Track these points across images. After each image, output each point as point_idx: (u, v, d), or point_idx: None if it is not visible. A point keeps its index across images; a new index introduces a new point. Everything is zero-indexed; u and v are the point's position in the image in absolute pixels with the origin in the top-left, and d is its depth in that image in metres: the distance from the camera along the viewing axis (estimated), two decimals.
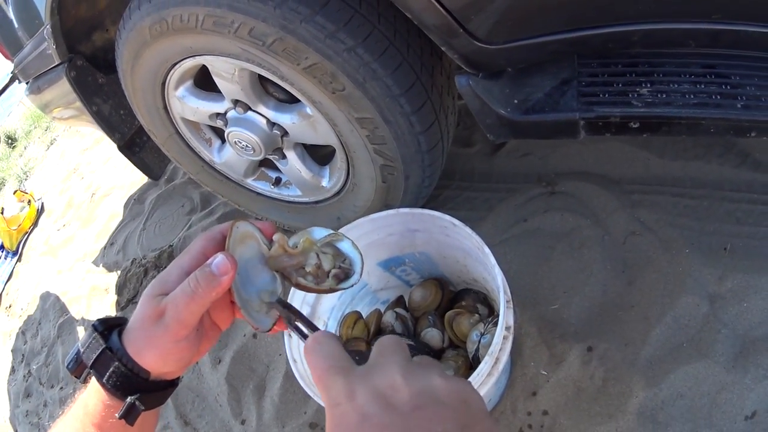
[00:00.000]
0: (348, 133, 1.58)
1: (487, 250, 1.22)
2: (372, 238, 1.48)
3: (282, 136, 1.75)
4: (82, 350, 0.70)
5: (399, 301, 1.71)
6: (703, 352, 1.44)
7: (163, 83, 1.79)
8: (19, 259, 4.32)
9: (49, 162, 5.44)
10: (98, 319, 0.72)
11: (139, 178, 3.47)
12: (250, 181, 2.13)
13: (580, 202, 1.84)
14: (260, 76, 1.64)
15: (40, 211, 4.65)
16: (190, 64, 1.67)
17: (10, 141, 7.52)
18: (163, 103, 1.89)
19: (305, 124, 1.66)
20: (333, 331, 1.63)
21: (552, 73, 1.32)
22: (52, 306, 3.35)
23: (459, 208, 2.04)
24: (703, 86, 1.20)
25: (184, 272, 0.69)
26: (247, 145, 1.78)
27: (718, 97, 1.19)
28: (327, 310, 1.53)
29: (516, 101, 1.31)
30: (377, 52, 1.38)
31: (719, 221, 1.63)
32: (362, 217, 1.43)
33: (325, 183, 1.89)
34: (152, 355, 0.68)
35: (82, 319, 2.99)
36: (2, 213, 4.54)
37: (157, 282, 0.70)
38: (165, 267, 2.61)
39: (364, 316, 1.68)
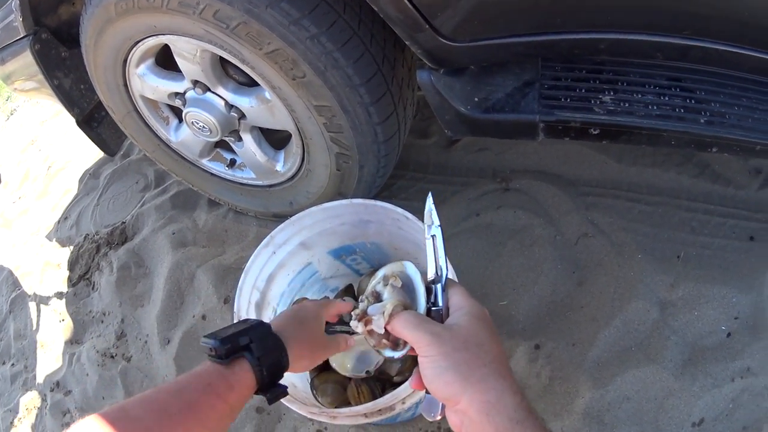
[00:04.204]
0: (305, 120, 1.58)
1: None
2: (324, 227, 1.49)
3: (239, 119, 1.75)
4: (253, 342, 0.85)
5: (348, 290, 1.71)
6: (651, 358, 1.47)
7: (125, 60, 1.77)
8: None
9: (7, 133, 5.28)
10: (258, 320, 0.93)
11: (96, 153, 3.39)
12: (205, 162, 2.12)
13: (533, 201, 1.86)
14: (221, 58, 1.62)
15: None
16: (152, 42, 1.65)
17: None
18: (123, 80, 1.86)
19: (263, 108, 1.65)
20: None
21: (515, 74, 1.34)
22: (4, 280, 3.28)
23: (412, 199, 2.05)
24: (667, 98, 1.23)
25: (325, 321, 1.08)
26: (204, 126, 1.76)
27: (682, 110, 1.21)
28: (276, 296, 1.53)
29: (476, 99, 1.32)
30: (340, 41, 1.38)
31: (674, 229, 1.65)
32: (315, 206, 1.43)
33: (279, 167, 1.89)
34: (309, 362, 1.00)
35: (35, 294, 2.94)
36: None
37: (319, 317, 1.06)
38: (117, 244, 2.60)
39: None
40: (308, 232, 1.49)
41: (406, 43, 1.28)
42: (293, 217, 1.45)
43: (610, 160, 1.84)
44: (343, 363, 1.41)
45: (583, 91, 1.27)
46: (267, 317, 1.47)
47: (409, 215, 1.29)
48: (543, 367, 1.55)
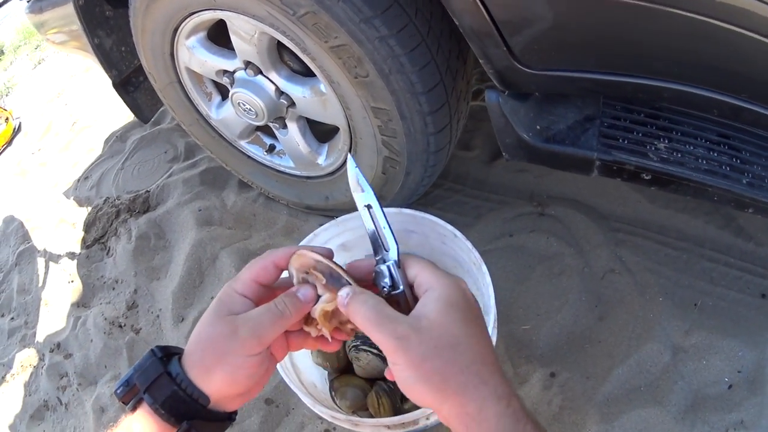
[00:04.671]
0: (359, 119, 1.56)
1: (484, 269, 1.22)
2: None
3: (288, 107, 1.73)
4: (136, 374, 0.69)
5: None
6: (657, 399, 1.47)
7: (176, 30, 1.74)
8: None
9: (34, 82, 5.26)
10: (157, 346, 0.72)
11: (125, 116, 3.38)
12: (244, 143, 2.10)
13: (566, 229, 1.85)
14: (278, 43, 1.60)
15: (17, 131, 4.49)
16: (208, 16, 1.63)
17: None
18: (171, 49, 1.84)
19: (316, 100, 1.63)
20: None
21: (577, 107, 1.33)
22: (14, 231, 3.25)
23: (448, 210, 2.04)
24: (715, 154, 1.22)
25: (243, 296, 0.72)
26: (250, 109, 1.74)
27: (728, 168, 1.21)
28: None
29: (538, 127, 1.31)
30: (409, 46, 1.35)
31: (695, 277, 1.65)
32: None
33: (321, 161, 1.87)
34: (221, 372, 0.68)
35: (44, 250, 2.90)
36: None
37: (220, 305, 0.71)
38: (138, 212, 2.58)
39: None
40: (351, 235, 1.47)
41: (480, 59, 1.25)
42: (339, 218, 1.43)
43: (644, 200, 1.84)
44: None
45: (640, 135, 1.26)
46: None
47: (458, 233, 1.28)
48: (555, 395, 1.54)
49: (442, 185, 2.11)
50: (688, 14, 0.99)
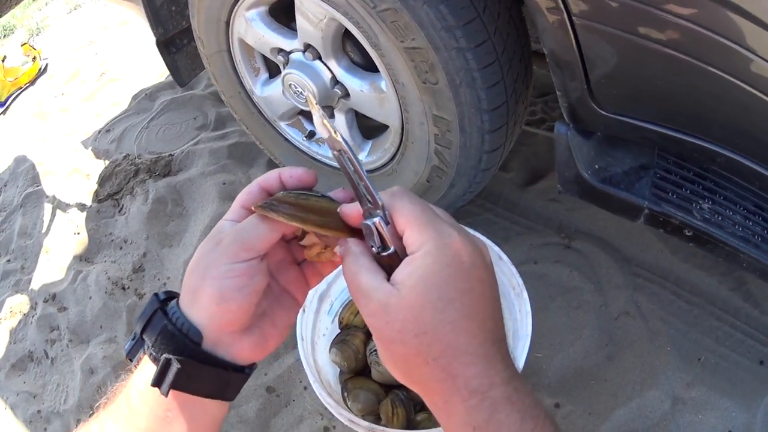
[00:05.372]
0: (416, 124, 1.55)
1: (525, 295, 1.22)
2: None
3: (340, 97, 1.70)
4: (138, 321, 0.63)
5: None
6: None
7: None
8: (3, 112, 4.12)
9: (66, 26, 5.17)
10: (163, 291, 0.65)
11: (156, 75, 3.33)
12: (283, 125, 2.07)
13: (590, 266, 1.86)
14: (345, 32, 1.58)
15: (42, 71, 4.41)
16: None
17: None
18: (228, 17, 1.81)
19: (373, 96, 1.61)
20: (336, 314, 1.62)
21: (634, 154, 1.34)
22: (25, 172, 3.19)
23: (476, 227, 2.02)
24: (750, 223, 1.25)
25: (232, 221, 0.64)
26: (301, 92, 1.72)
27: (759, 238, 1.23)
28: (338, 291, 1.50)
29: (597, 166, 1.32)
30: (483, 63, 1.35)
31: (702, 333, 1.66)
32: None
33: (362, 156, 1.85)
34: (208, 288, 0.58)
35: (53, 197, 2.86)
36: (3, 61, 4.30)
37: (209, 236, 0.63)
38: (159, 174, 2.55)
39: None
40: None
41: (557, 90, 1.25)
42: None
43: (666, 250, 1.85)
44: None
45: (688, 192, 1.28)
46: (324, 311, 1.44)
47: (504, 256, 1.28)
48: None
49: (474, 201, 2.10)
50: (755, 92, 1.01)
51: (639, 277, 1.81)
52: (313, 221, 0.61)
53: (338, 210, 0.62)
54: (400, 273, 0.54)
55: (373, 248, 0.58)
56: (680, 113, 1.19)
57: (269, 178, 0.66)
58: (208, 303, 0.59)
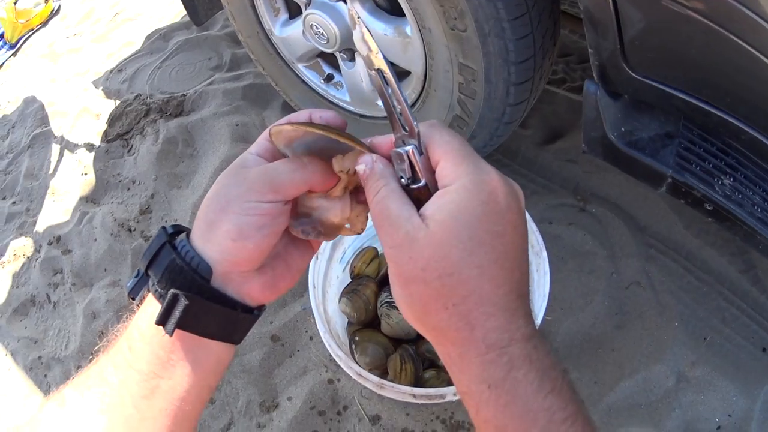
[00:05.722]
0: (440, 72, 1.51)
1: (545, 255, 1.19)
2: None
3: None
4: (144, 256, 0.59)
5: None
6: (653, 422, 1.49)
7: None
8: (14, 54, 4.02)
9: None
10: (172, 225, 0.61)
11: (171, 15, 3.25)
12: (301, 67, 2.03)
13: (604, 231, 1.84)
14: None
15: (55, 13, 4.29)
16: None
17: None
18: None
19: (397, 41, 1.57)
20: (347, 262, 1.60)
21: (660, 121, 1.30)
22: (33, 113, 3.12)
23: None
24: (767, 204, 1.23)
25: (257, 156, 0.60)
26: (322, 33, 1.68)
27: None
28: (351, 238, 1.47)
29: (623, 129, 1.28)
30: (514, 14, 1.31)
31: (710, 312, 1.65)
32: None
33: (380, 102, 1.80)
34: (226, 222, 0.55)
35: (62, 137, 2.80)
36: (15, 3, 4.19)
37: (232, 166, 0.59)
38: (170, 114, 2.50)
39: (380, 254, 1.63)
40: None
41: (589, 48, 1.20)
42: None
43: (680, 224, 1.82)
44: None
45: (711, 165, 1.24)
46: (336, 258, 1.42)
47: (534, 226, 1.23)
48: None
49: (491, 155, 2.06)
50: None
51: (651, 248, 1.79)
52: (335, 132, 0.57)
53: (368, 141, 0.58)
54: (430, 206, 0.50)
55: (402, 179, 0.53)
56: (710, 85, 1.15)
57: (299, 116, 0.61)
58: (224, 238, 0.55)
